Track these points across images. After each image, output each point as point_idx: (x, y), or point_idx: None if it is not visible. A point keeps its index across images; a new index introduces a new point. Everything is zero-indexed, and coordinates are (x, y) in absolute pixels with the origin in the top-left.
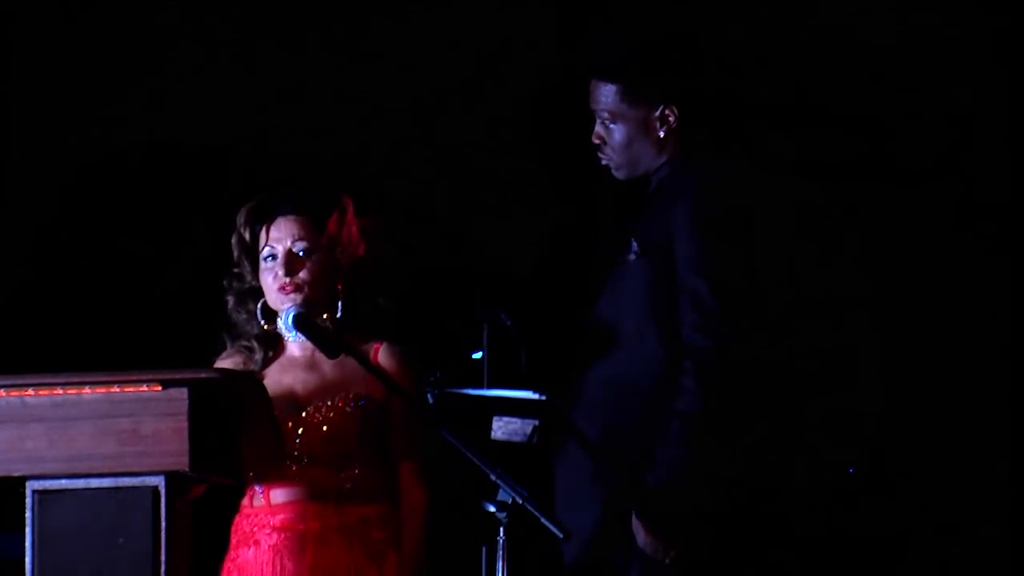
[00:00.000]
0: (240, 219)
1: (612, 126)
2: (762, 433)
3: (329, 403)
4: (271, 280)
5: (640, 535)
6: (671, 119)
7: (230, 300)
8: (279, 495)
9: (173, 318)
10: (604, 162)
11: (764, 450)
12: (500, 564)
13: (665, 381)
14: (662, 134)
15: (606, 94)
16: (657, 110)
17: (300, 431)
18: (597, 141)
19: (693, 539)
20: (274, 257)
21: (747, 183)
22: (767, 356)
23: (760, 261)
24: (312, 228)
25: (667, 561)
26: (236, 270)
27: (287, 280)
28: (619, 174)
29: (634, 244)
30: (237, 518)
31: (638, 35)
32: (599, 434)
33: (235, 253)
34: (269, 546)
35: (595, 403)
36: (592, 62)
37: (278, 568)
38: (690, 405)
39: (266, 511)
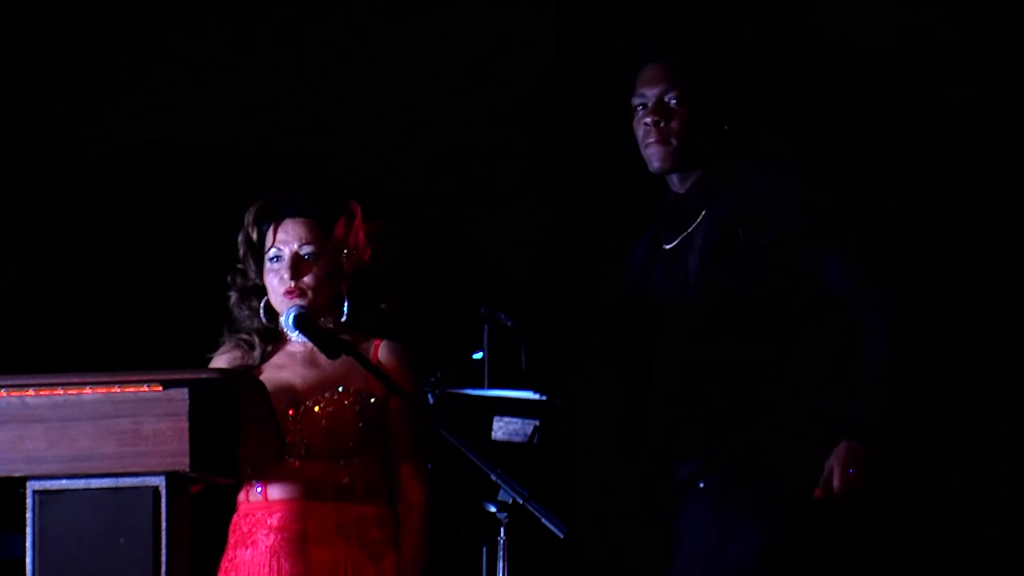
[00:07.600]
0: (248, 218)
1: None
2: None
3: (328, 396)
4: (276, 282)
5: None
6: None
7: (233, 296)
8: (276, 491)
9: (173, 318)
10: (653, 142)
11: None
12: (500, 564)
13: (793, 364)
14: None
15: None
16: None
17: (298, 424)
18: (660, 120)
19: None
20: (280, 259)
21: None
22: None
23: None
24: (319, 231)
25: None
26: (240, 267)
27: (292, 284)
28: (664, 165)
29: (738, 230)
30: (235, 517)
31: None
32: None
33: (240, 251)
34: (266, 547)
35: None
36: (658, 43)
37: (275, 569)
38: (884, 352)
39: (263, 508)
